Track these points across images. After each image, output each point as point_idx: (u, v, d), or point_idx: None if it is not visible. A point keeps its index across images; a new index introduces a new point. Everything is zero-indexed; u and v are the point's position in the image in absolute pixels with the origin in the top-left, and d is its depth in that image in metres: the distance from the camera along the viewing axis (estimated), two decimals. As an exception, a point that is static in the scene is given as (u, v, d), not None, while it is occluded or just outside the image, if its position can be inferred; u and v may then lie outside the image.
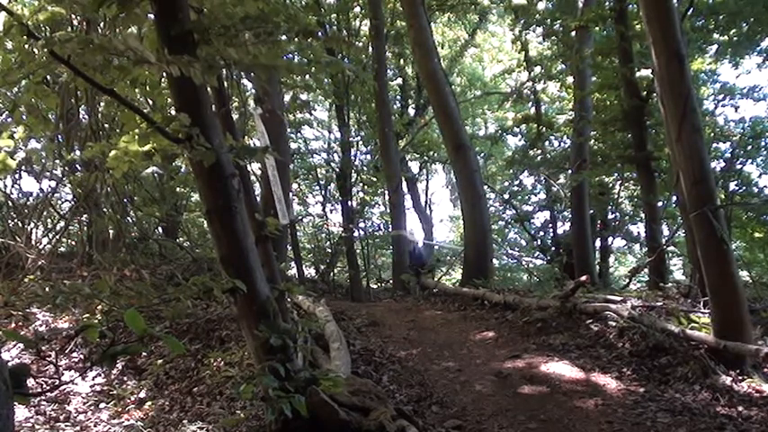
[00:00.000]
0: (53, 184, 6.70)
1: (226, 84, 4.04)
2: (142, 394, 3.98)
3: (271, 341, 2.95)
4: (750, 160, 11.08)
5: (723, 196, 9.72)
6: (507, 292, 6.42)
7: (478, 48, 17.12)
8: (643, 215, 11.06)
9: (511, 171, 14.41)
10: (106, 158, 3.42)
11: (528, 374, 4.12)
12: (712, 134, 10.63)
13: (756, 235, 11.72)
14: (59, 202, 7.47)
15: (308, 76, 3.69)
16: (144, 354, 4.41)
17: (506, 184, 15.40)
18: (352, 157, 13.02)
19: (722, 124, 11.54)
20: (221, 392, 3.82)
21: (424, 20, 8.87)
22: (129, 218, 7.16)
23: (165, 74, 2.81)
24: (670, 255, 11.49)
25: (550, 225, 13.97)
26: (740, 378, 3.91)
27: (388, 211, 11.63)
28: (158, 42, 2.84)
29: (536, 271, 13.43)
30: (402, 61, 14.58)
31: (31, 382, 2.95)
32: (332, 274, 12.57)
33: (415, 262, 9.65)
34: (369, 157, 14.26)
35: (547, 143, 13.76)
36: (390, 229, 11.13)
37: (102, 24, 5.62)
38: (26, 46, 2.91)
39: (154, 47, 2.87)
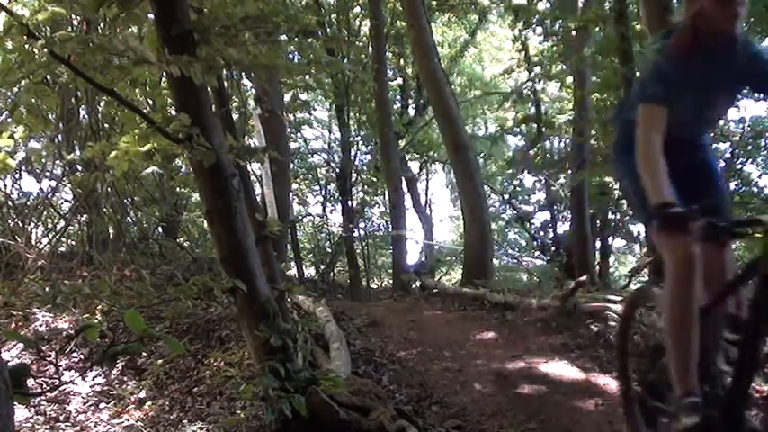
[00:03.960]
0: (53, 184, 6.70)
1: (226, 84, 4.04)
2: (142, 394, 3.98)
3: (271, 341, 2.95)
4: (750, 160, 11.07)
5: (723, 196, 9.70)
6: (507, 292, 6.41)
7: (478, 48, 17.11)
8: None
9: (511, 171, 14.42)
10: (106, 158, 3.42)
11: (528, 374, 4.12)
12: (712, 134, 10.62)
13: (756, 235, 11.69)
14: (59, 202, 7.47)
15: (307, 76, 3.70)
16: (144, 354, 4.40)
17: (506, 184, 15.40)
18: (352, 157, 13.03)
19: (722, 124, 11.53)
20: (221, 392, 3.81)
21: (424, 20, 8.87)
22: (129, 218, 7.15)
23: (165, 74, 2.81)
24: (670, 255, 11.45)
25: (550, 225, 13.96)
26: (740, 378, 3.91)
27: (388, 211, 11.64)
28: (158, 42, 2.84)
29: (536, 271, 13.43)
30: (402, 61, 14.58)
31: (31, 382, 2.95)
32: (332, 274, 12.58)
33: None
34: (369, 157, 14.27)
35: (547, 143, 13.75)
36: (390, 229, 11.14)
37: (102, 24, 5.62)
38: (26, 46, 2.90)
39: (154, 47, 2.88)
